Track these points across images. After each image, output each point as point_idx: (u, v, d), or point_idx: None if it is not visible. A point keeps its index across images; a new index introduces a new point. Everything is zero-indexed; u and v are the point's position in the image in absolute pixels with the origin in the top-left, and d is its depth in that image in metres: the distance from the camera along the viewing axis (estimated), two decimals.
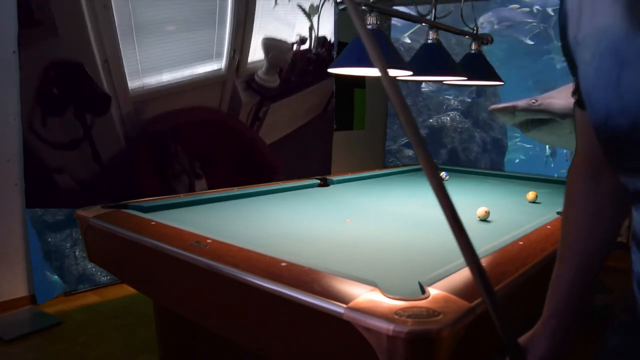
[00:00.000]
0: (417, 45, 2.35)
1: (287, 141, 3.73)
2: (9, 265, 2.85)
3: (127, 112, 2.85)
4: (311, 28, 3.76)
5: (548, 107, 4.14)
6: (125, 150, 2.88)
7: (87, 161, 2.76)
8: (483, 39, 2.47)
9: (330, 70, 1.92)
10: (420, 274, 1.16)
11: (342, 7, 1.69)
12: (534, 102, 4.11)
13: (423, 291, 1.06)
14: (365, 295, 1.01)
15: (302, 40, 3.62)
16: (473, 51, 2.45)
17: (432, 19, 2.18)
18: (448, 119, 9.50)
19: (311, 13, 3.77)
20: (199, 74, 3.12)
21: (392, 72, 1.88)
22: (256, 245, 1.38)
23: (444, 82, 2.49)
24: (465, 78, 2.23)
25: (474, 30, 2.41)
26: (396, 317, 0.91)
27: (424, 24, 2.14)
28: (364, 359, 0.93)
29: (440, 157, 9.32)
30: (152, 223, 1.65)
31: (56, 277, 3.49)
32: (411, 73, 1.90)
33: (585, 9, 0.61)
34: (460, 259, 1.30)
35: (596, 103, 0.59)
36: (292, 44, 3.59)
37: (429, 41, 2.16)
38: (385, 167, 5.67)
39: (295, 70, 3.63)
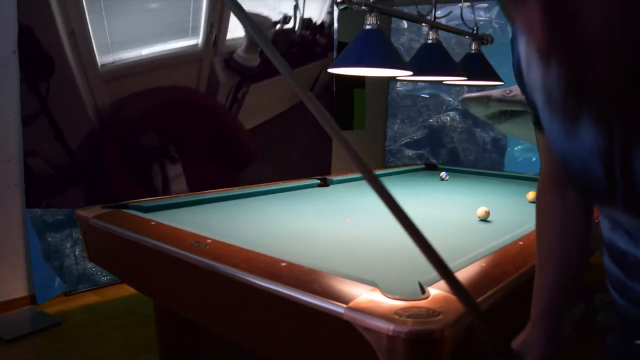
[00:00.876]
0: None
1: (267, 127, 3.50)
2: (9, 265, 2.85)
3: (98, 90, 2.66)
4: (296, 7, 3.48)
5: (522, 98, 4.10)
6: (97, 132, 2.71)
7: (56, 144, 2.58)
8: (483, 39, 2.47)
9: (330, 70, 1.92)
10: (420, 274, 1.16)
11: (342, 7, 1.69)
12: (508, 93, 4.07)
13: (423, 291, 1.06)
14: (365, 295, 1.01)
15: (286, 19, 3.37)
16: (473, 51, 2.45)
17: (432, 19, 2.18)
18: (448, 119, 9.50)
19: None
20: (174, 49, 2.89)
21: (392, 72, 1.88)
22: (256, 245, 1.38)
23: (444, 82, 2.49)
24: (465, 78, 2.23)
25: (474, 30, 2.41)
26: (396, 317, 0.91)
27: (424, 24, 2.14)
28: (364, 359, 0.93)
29: (440, 157, 9.32)
30: (152, 223, 1.65)
31: (56, 277, 3.49)
32: (411, 73, 1.90)
33: (530, 62, 0.67)
34: (460, 259, 1.31)
35: (554, 145, 0.65)
36: (275, 23, 3.33)
37: (429, 41, 2.16)
38: (385, 167, 5.67)
39: (277, 50, 3.49)
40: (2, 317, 2.69)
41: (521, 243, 1.47)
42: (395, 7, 4.08)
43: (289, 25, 3.45)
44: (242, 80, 3.26)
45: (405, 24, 9.54)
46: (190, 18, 2.91)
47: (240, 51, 3.20)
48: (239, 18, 0.63)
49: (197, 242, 1.40)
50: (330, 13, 3.83)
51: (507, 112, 4.28)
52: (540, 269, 0.83)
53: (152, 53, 2.83)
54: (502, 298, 1.10)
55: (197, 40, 2.99)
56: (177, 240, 1.45)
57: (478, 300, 1.03)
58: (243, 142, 3.39)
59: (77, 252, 5.92)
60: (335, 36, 4.42)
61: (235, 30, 3.13)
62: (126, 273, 1.83)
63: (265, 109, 3.48)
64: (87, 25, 2.58)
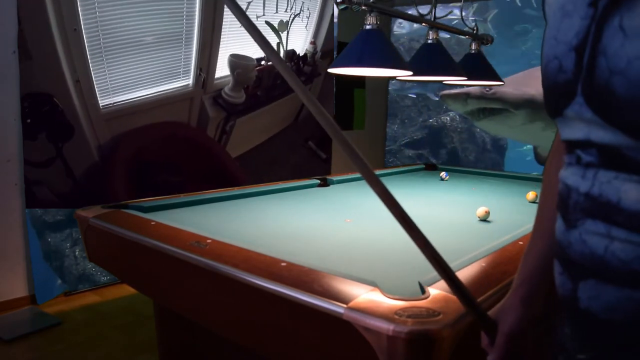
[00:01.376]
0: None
1: (255, 153, 3.90)
2: (9, 265, 2.85)
3: (99, 128, 3.01)
4: (279, 44, 3.85)
5: (502, 96, 4.13)
6: (98, 164, 3.05)
7: (62, 177, 2.91)
8: (483, 39, 2.47)
9: (330, 70, 1.92)
10: (420, 274, 1.16)
11: (342, 7, 1.69)
12: (487, 91, 4.08)
13: (423, 291, 1.06)
14: (365, 295, 1.01)
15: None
16: (473, 51, 2.45)
17: (432, 19, 2.18)
18: (448, 119, 9.50)
19: (280, 29, 3.84)
20: (168, 90, 3.27)
21: (392, 72, 1.88)
22: (256, 245, 1.38)
23: (444, 82, 2.49)
24: (465, 78, 2.23)
25: (474, 30, 2.41)
26: (396, 317, 0.91)
27: (424, 24, 2.14)
28: (364, 359, 0.93)
29: (440, 157, 9.31)
30: (152, 223, 1.65)
31: (56, 277, 3.50)
32: (411, 73, 1.90)
33: None
34: (460, 259, 1.31)
35: (544, 51, 0.67)
36: (259, 60, 3.72)
37: (429, 41, 2.16)
38: (385, 167, 5.67)
39: (261, 85, 3.78)
40: (2, 317, 2.69)
41: (521, 243, 1.47)
42: (395, 7, 4.09)
43: None
44: (229, 115, 3.63)
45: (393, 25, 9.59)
46: (182, 63, 3.32)
47: (227, 89, 3.58)
48: (243, 25, 0.70)
49: (197, 242, 1.40)
50: (313, 43, 4.09)
51: (486, 109, 4.29)
52: (534, 235, 0.83)
53: (148, 94, 3.20)
54: (502, 298, 1.10)
55: (188, 81, 3.37)
56: (177, 240, 1.45)
57: (478, 300, 1.03)
58: (230, 170, 3.72)
59: (77, 252, 5.92)
60: (335, 35, 4.42)
61: (222, 71, 3.55)
62: (126, 273, 1.83)
63: (252, 138, 3.89)
64: (91, 73, 2.94)
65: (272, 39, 3.79)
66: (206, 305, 1.38)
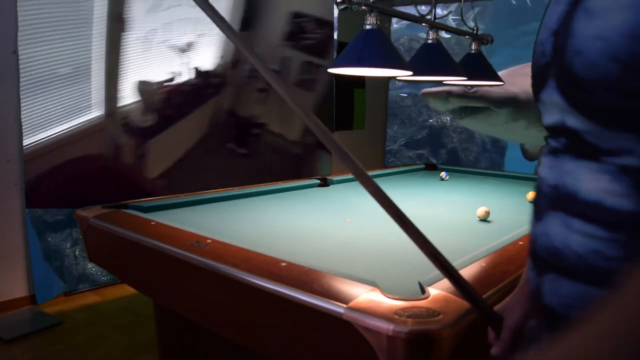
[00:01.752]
0: None
1: (178, 166, 3.99)
2: (9, 265, 2.85)
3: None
4: (188, 64, 4.02)
5: (484, 94, 4.07)
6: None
7: None
8: (483, 39, 2.47)
9: (330, 70, 1.92)
10: (420, 274, 1.16)
11: (342, 7, 1.70)
12: (469, 89, 4.04)
13: (423, 291, 1.06)
14: (365, 295, 1.01)
15: (177, 76, 3.90)
16: (473, 51, 2.45)
17: (432, 19, 2.18)
18: (448, 119, 9.49)
19: (186, 50, 3.99)
20: (81, 123, 3.32)
21: (392, 72, 1.88)
22: (256, 245, 1.38)
23: (443, 83, 2.49)
24: (465, 78, 2.23)
25: (474, 30, 2.41)
26: (396, 317, 0.91)
27: (424, 24, 2.14)
28: (363, 359, 0.93)
29: (440, 157, 9.31)
30: (152, 223, 1.65)
31: (56, 277, 3.49)
32: (411, 73, 1.90)
33: None
34: (460, 258, 1.31)
35: (537, 39, 0.67)
36: (166, 82, 3.84)
37: (429, 41, 2.16)
38: (385, 167, 5.67)
39: (170, 105, 3.91)
40: (2, 317, 2.69)
41: (521, 243, 1.47)
42: (395, 8, 4.09)
43: (182, 79, 3.91)
44: (143, 137, 3.74)
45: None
46: (92, 95, 3.37)
47: (136, 114, 3.69)
48: (216, 24, 0.73)
49: (197, 242, 1.40)
50: (223, 57, 4.16)
51: (468, 108, 4.25)
52: None
53: (62, 130, 3.20)
54: (502, 298, 1.10)
55: (100, 112, 3.44)
56: (177, 240, 1.45)
57: None
58: (150, 191, 3.77)
59: (77, 252, 5.93)
60: (335, 36, 4.42)
61: (131, 97, 3.65)
62: (126, 273, 1.83)
63: (171, 153, 3.98)
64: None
65: (182, 61, 3.92)
66: (206, 305, 1.38)
